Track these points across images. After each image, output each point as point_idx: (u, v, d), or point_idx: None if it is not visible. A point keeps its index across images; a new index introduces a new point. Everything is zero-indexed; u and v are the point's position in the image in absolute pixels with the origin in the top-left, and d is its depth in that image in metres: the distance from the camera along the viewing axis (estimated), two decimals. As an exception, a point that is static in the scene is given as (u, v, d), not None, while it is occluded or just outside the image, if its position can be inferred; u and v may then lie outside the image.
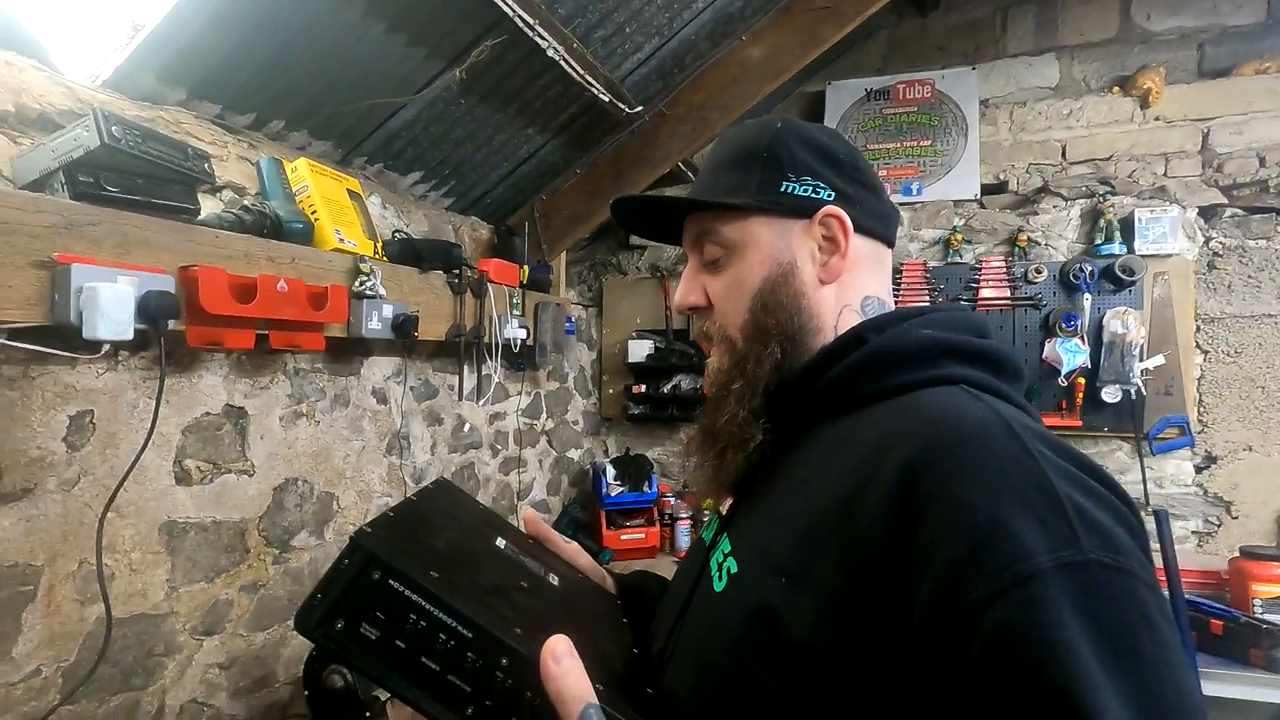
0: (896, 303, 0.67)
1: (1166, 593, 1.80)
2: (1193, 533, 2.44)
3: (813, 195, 0.64)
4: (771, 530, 0.56)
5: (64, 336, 1.04)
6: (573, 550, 0.71)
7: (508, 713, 0.41)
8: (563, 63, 1.78)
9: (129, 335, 1.04)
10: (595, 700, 0.41)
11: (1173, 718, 0.38)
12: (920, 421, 0.49)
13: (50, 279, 0.99)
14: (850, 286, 0.65)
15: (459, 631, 0.40)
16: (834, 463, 0.53)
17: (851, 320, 0.63)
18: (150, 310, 1.07)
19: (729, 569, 0.57)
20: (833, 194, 0.64)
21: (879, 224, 0.66)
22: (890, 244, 0.69)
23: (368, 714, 1.40)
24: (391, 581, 0.40)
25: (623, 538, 2.69)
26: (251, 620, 1.47)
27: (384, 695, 1.45)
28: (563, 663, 0.41)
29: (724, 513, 0.67)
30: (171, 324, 1.13)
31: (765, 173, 0.64)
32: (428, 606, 0.40)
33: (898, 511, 0.45)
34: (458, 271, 1.94)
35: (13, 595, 1.06)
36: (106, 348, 1.06)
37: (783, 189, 0.64)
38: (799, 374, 0.61)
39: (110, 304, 1.01)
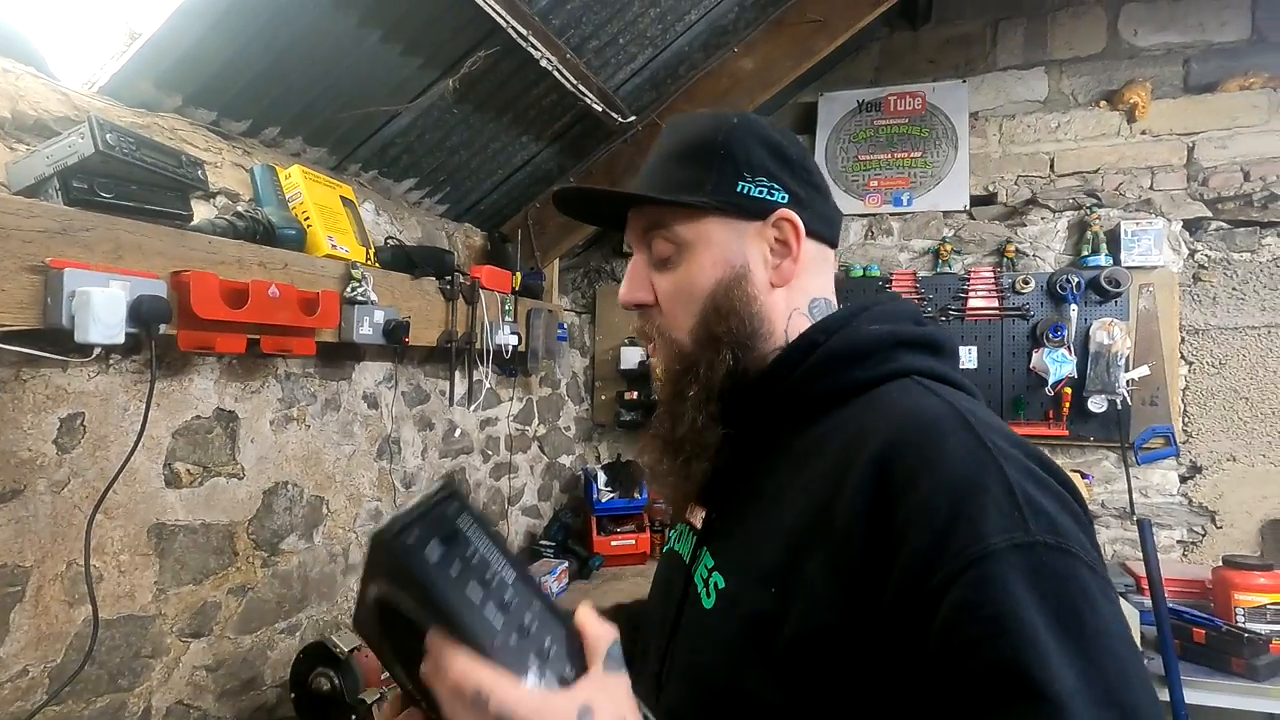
0: None
1: (1149, 601, 1.82)
2: (1178, 542, 2.47)
3: (768, 197, 0.63)
4: (756, 542, 0.56)
5: (56, 340, 1.05)
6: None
7: (528, 650, 0.45)
8: (556, 73, 1.80)
9: (120, 339, 1.06)
10: (618, 638, 0.46)
11: (1115, 684, 0.40)
12: (883, 420, 0.52)
13: (43, 283, 1.00)
14: (799, 290, 0.65)
15: (503, 574, 0.46)
16: (808, 470, 0.55)
17: (801, 324, 0.63)
18: (142, 314, 1.08)
19: (715, 584, 0.57)
20: (786, 196, 0.63)
21: (826, 227, 0.67)
22: (834, 245, 0.69)
23: (353, 717, 1.41)
24: (462, 518, 0.47)
25: (613, 544, 2.69)
26: (240, 623, 1.48)
27: (369, 699, 1.44)
28: (588, 613, 0.46)
29: (698, 525, 0.66)
30: (163, 328, 1.14)
31: (722, 171, 0.63)
32: (487, 546, 0.47)
33: (871, 507, 0.48)
34: (450, 278, 1.95)
35: (1, 596, 1.07)
36: (98, 351, 1.08)
37: (739, 189, 0.62)
38: (756, 381, 0.61)
39: (102, 308, 1.02)
